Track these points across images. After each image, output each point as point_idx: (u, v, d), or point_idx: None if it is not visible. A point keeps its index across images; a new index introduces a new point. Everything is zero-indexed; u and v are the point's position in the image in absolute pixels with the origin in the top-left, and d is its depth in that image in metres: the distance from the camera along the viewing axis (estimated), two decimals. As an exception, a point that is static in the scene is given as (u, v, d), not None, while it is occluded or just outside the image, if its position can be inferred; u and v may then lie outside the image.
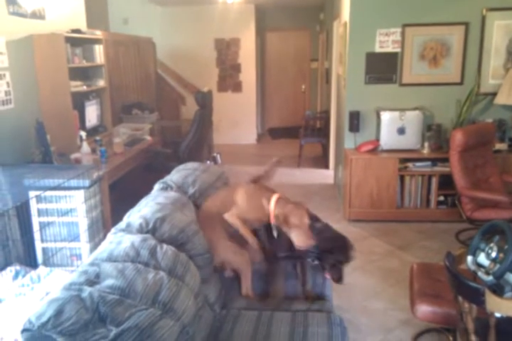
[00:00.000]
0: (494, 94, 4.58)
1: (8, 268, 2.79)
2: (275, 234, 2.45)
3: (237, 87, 8.83)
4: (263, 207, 2.41)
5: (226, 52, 8.66)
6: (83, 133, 4.24)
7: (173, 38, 8.48)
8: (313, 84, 9.75)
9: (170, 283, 1.76)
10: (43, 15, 4.13)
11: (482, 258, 1.92)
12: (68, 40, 4.07)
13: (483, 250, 1.93)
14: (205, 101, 5.17)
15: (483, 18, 4.57)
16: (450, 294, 2.15)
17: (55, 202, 3.11)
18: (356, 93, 4.81)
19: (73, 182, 3.08)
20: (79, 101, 4.41)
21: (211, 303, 2.23)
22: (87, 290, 1.58)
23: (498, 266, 1.82)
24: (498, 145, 4.53)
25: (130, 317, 1.54)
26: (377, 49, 4.69)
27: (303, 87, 9.95)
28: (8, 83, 3.58)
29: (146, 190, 2.70)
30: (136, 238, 1.96)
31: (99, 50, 4.70)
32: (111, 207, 3.52)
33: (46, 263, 3.10)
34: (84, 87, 4.44)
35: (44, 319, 1.44)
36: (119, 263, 1.79)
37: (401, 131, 4.60)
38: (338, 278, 2.28)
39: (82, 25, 4.91)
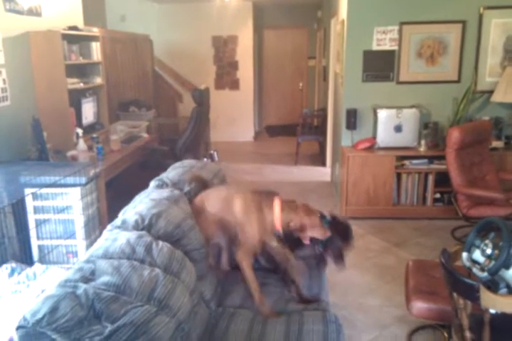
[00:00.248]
0: (491, 92, 4.59)
1: (4, 266, 2.78)
2: (274, 243, 2.42)
3: (234, 85, 8.82)
4: (265, 221, 2.30)
5: (223, 49, 8.65)
6: (80, 131, 4.23)
7: (171, 35, 8.46)
8: (310, 82, 9.74)
9: (165, 279, 1.76)
10: (40, 12, 4.12)
11: (477, 255, 1.93)
12: (65, 37, 4.06)
13: (478, 247, 1.94)
14: (202, 98, 5.17)
15: (481, 17, 4.57)
16: (445, 291, 2.16)
17: (51, 199, 3.10)
18: (353, 91, 4.82)
19: (69, 180, 3.07)
20: (75, 99, 4.40)
21: (207, 300, 2.23)
22: (82, 287, 1.58)
23: (493, 262, 1.83)
24: (495, 143, 4.54)
25: (125, 313, 1.54)
26: (375, 47, 4.69)
27: (300, 84, 9.95)
28: (4, 80, 3.57)
29: (143, 187, 2.70)
30: (132, 235, 1.96)
31: (96, 47, 4.69)
32: (107, 205, 3.52)
33: (42, 260, 3.09)
34: (81, 84, 4.43)
35: (39, 316, 1.44)
36: (115, 260, 1.79)
37: (398, 128, 4.61)
38: (340, 263, 2.32)
39: (79, 22, 4.90)
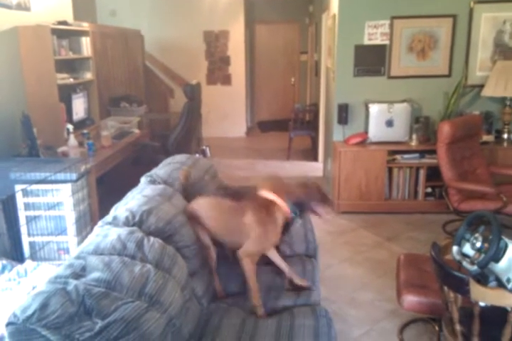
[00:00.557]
0: (481, 86, 4.61)
1: (-5, 263, 2.77)
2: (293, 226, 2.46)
3: (226, 80, 8.79)
4: (278, 221, 2.32)
5: (215, 44, 8.61)
6: (70, 126, 4.21)
7: (162, 30, 8.41)
8: (302, 77, 9.73)
9: (156, 275, 1.76)
10: (29, 7, 4.07)
11: (467, 249, 1.94)
12: (54, 32, 4.02)
13: (468, 240, 1.95)
14: (193, 93, 5.15)
15: (471, 11, 4.58)
16: (436, 284, 2.17)
17: (42, 195, 3.09)
18: (345, 85, 4.82)
19: (60, 176, 3.06)
20: (66, 94, 4.37)
21: (199, 297, 2.22)
22: (72, 283, 1.57)
23: (482, 255, 1.84)
24: (485, 137, 4.57)
25: (116, 309, 1.54)
26: (366, 41, 4.69)
27: (292, 79, 9.93)
28: (-8, 75, 3.54)
29: (134, 183, 2.69)
30: (123, 231, 1.95)
31: (86, 42, 4.65)
32: (99, 201, 3.51)
33: (33, 257, 3.08)
34: (71, 80, 4.39)
35: (29, 312, 1.44)
36: (106, 256, 1.78)
37: (389, 123, 4.61)
38: (320, 213, 2.37)
39: (69, 16, 4.86)
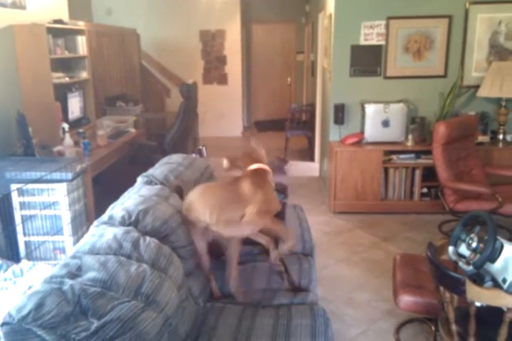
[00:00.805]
0: (477, 87, 4.62)
1: (-10, 262, 2.76)
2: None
3: (222, 79, 8.78)
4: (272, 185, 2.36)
5: (211, 43, 8.60)
6: (66, 126, 4.19)
7: (158, 29, 8.39)
8: (299, 77, 9.73)
9: (153, 275, 1.76)
10: (24, 5, 4.06)
11: (463, 249, 1.95)
12: (50, 30, 4.01)
13: (464, 240, 1.96)
14: (190, 93, 5.14)
15: (467, 12, 4.59)
16: (432, 284, 2.18)
17: (38, 195, 3.07)
18: (341, 86, 4.82)
19: (56, 175, 3.05)
20: (61, 93, 4.35)
21: (195, 296, 2.22)
22: (68, 283, 1.57)
23: (478, 256, 1.85)
24: (481, 138, 4.58)
25: (112, 309, 1.53)
26: (362, 41, 4.69)
27: (289, 79, 9.93)
28: (-12, 74, 3.52)
29: (131, 183, 2.68)
30: (119, 230, 1.95)
31: (81, 41, 4.64)
32: (94, 200, 3.50)
33: (29, 256, 3.07)
34: (67, 79, 4.38)
35: (24, 312, 1.43)
36: (101, 255, 1.78)
37: (385, 123, 4.62)
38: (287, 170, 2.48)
39: (64, 15, 4.84)
